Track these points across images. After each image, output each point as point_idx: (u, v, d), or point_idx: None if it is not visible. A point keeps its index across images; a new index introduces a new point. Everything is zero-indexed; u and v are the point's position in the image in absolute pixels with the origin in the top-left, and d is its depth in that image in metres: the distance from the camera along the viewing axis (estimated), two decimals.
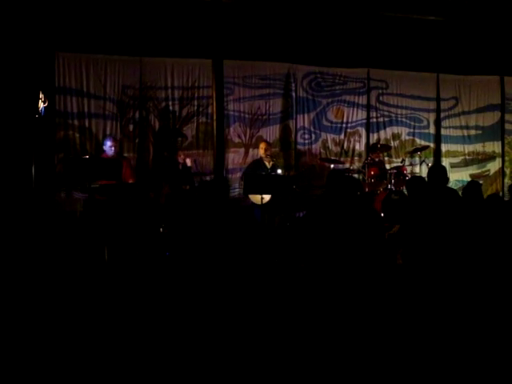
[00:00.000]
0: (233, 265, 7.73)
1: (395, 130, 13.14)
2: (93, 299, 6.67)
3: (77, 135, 11.36)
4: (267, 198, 10.28)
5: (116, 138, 11.04)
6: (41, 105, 9.28)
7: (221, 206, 8.52)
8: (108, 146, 10.29)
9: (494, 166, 13.66)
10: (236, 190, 11.85)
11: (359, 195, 7.89)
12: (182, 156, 10.74)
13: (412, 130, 13.23)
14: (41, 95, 9.25)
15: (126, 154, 11.23)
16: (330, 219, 6.49)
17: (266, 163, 11.08)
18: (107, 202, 9.46)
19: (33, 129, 9.58)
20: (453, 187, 12.59)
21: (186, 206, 9.87)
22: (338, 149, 12.73)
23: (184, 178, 10.55)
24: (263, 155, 11.13)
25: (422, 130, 13.33)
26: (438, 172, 7.28)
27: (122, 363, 4.81)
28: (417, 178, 8.92)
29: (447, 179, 7.29)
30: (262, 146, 11.22)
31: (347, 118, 12.83)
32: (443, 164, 13.05)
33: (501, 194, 13.39)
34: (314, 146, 12.62)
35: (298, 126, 12.55)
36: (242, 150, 12.11)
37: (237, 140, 12.15)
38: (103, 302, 6.57)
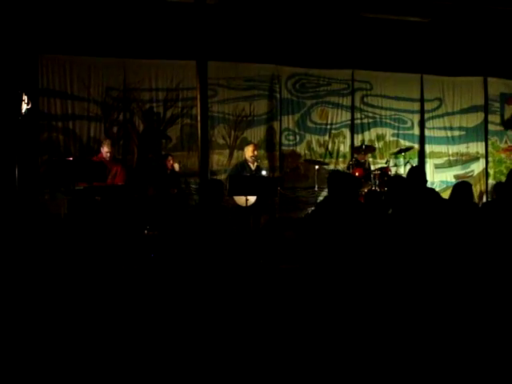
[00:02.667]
0: (220, 266, 7.73)
1: (379, 131, 13.17)
2: (78, 301, 6.64)
3: (61, 137, 11.33)
4: (252, 199, 10.27)
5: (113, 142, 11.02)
6: (24, 107, 9.25)
7: (219, 208, 8.58)
8: (105, 152, 10.36)
9: (477, 167, 13.71)
10: None
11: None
12: (171, 161, 10.74)
13: (396, 131, 13.27)
14: (24, 97, 9.22)
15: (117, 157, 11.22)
16: (334, 220, 6.49)
17: (251, 165, 11.06)
18: (92, 203, 9.44)
19: (16, 131, 9.54)
20: (437, 188, 12.74)
21: (177, 209, 9.90)
22: (323, 150, 12.74)
23: (172, 182, 10.54)
24: (250, 158, 11.08)
25: (406, 131, 13.36)
26: (418, 173, 7.31)
27: (109, 368, 4.78)
28: (398, 177, 8.99)
29: (426, 180, 7.31)
30: (251, 148, 11.16)
31: (331, 119, 12.85)
32: (427, 165, 13.14)
33: (485, 195, 13.46)
34: (298, 147, 12.63)
35: (283, 128, 12.56)
36: (227, 151, 12.11)
37: (221, 142, 12.15)
38: (89, 304, 6.53)
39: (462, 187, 7.87)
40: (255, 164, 11.08)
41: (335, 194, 6.53)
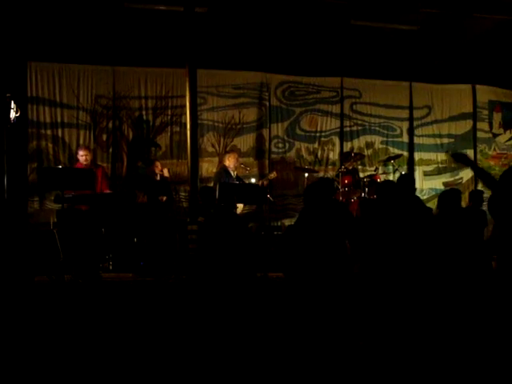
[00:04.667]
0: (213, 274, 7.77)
1: (369, 138, 13.20)
2: (67, 310, 6.62)
3: (50, 145, 11.32)
4: (240, 206, 10.29)
5: (89, 147, 10.97)
6: (13, 114, 9.21)
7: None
8: (80, 156, 10.13)
9: (466, 174, 13.72)
10: None
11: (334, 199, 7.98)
12: (159, 167, 10.67)
13: (385, 139, 13.30)
14: (13, 105, 9.18)
15: (99, 163, 11.16)
16: (309, 225, 6.53)
17: (231, 172, 11.04)
18: (81, 211, 9.43)
19: (5, 139, 9.50)
20: (426, 195, 12.80)
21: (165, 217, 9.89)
22: (312, 157, 12.76)
23: (161, 189, 10.49)
24: (233, 166, 11.06)
25: (396, 139, 13.40)
26: (407, 181, 7.36)
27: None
28: (388, 183, 9.02)
29: (415, 188, 7.36)
30: (234, 156, 11.14)
31: (321, 126, 12.87)
32: (416, 172, 13.18)
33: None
34: (287, 154, 12.64)
35: (272, 135, 12.57)
36: (216, 159, 12.09)
37: (210, 149, 12.15)
38: (77, 313, 6.51)
39: (449, 195, 7.94)
40: (235, 172, 11.06)
41: (309, 204, 6.63)
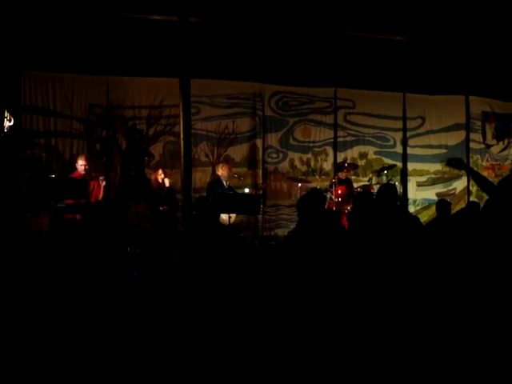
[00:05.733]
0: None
1: (362, 149, 13.23)
2: (60, 319, 6.60)
3: (43, 154, 11.30)
4: (233, 216, 10.28)
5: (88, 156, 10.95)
6: (6, 123, 9.21)
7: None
8: (79, 165, 10.08)
9: (459, 185, 13.78)
10: None
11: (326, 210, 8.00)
12: (162, 175, 10.57)
13: (379, 149, 13.33)
14: (6, 114, 9.18)
15: (93, 174, 11.12)
16: (305, 236, 6.55)
17: (224, 182, 11.01)
18: (74, 221, 9.40)
19: None
20: (419, 206, 12.84)
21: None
22: (306, 168, 12.76)
23: (165, 199, 10.35)
24: (227, 176, 11.01)
25: (389, 149, 13.43)
26: (388, 190, 7.29)
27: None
28: (365, 192, 9.07)
29: (396, 198, 7.32)
30: (227, 166, 11.09)
31: (314, 137, 12.90)
32: (409, 183, 13.23)
33: None
34: (281, 164, 12.65)
35: (266, 145, 12.58)
36: (210, 168, 12.09)
37: (204, 159, 12.15)
38: (71, 322, 6.50)
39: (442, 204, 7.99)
40: (228, 182, 11.04)
41: (302, 216, 6.66)
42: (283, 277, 7.54)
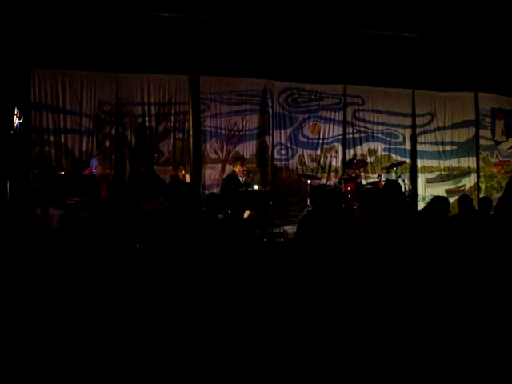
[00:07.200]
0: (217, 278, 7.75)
1: (371, 145, 13.20)
2: (70, 316, 6.61)
3: (52, 151, 11.31)
4: (246, 213, 10.32)
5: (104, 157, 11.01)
6: (16, 120, 9.22)
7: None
8: (95, 166, 10.19)
9: (469, 182, 13.75)
10: None
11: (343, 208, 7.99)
12: (182, 171, 10.61)
13: (388, 146, 13.30)
14: (16, 111, 9.19)
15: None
16: (318, 234, 6.53)
17: (240, 178, 11.04)
18: (83, 218, 9.41)
19: (8, 145, 9.50)
20: None
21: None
22: (315, 164, 12.75)
23: (182, 194, 10.37)
24: (240, 172, 11.06)
25: (398, 146, 13.40)
26: (393, 187, 7.28)
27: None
28: (371, 191, 9.08)
29: (402, 194, 7.32)
30: (239, 163, 11.13)
31: (323, 133, 12.88)
32: (418, 179, 13.21)
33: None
34: (290, 161, 12.64)
35: (275, 142, 12.57)
36: (219, 165, 12.10)
37: (213, 156, 12.15)
38: (81, 319, 6.50)
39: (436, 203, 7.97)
40: (243, 178, 11.06)
41: (319, 207, 6.60)
42: (294, 272, 7.53)
